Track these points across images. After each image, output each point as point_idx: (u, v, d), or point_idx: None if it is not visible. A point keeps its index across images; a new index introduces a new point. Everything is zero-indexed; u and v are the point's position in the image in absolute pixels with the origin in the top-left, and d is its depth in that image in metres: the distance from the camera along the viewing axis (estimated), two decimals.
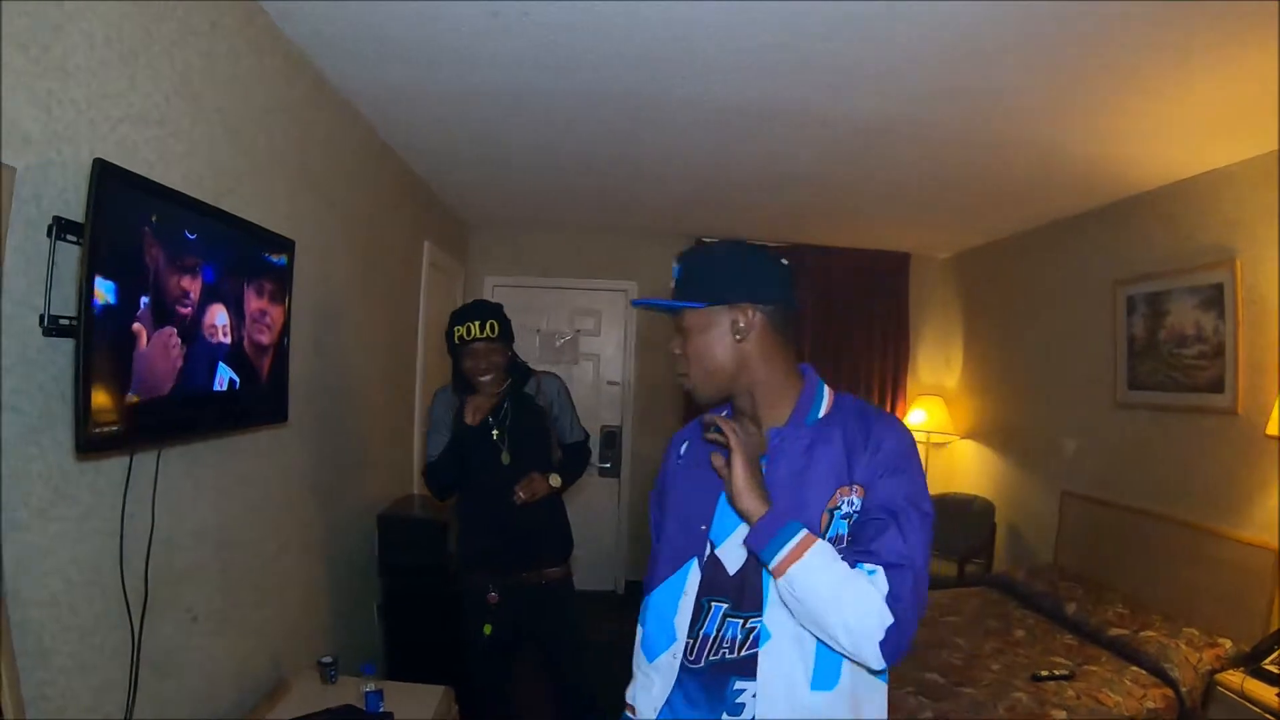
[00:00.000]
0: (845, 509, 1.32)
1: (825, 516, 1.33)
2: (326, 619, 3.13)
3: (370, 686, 2.36)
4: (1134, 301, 3.99)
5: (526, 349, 2.84)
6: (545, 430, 2.90)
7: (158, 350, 1.70)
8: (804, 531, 1.25)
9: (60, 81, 1.52)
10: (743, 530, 1.33)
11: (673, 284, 1.44)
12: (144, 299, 1.64)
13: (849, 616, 1.21)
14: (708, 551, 1.40)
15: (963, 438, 5.72)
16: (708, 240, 1.21)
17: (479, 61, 2.68)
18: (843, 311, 5.90)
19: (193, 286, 1.83)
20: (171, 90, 1.90)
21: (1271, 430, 2.97)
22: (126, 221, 1.58)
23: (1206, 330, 3.55)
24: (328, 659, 2.58)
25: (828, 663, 1.31)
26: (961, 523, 5.19)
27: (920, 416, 5.73)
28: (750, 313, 1.39)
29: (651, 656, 1.46)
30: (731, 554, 1.38)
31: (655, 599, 1.47)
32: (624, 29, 2.40)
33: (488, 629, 2.79)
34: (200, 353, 1.88)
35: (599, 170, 4.08)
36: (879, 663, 1.24)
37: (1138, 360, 3.98)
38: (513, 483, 2.72)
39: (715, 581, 1.39)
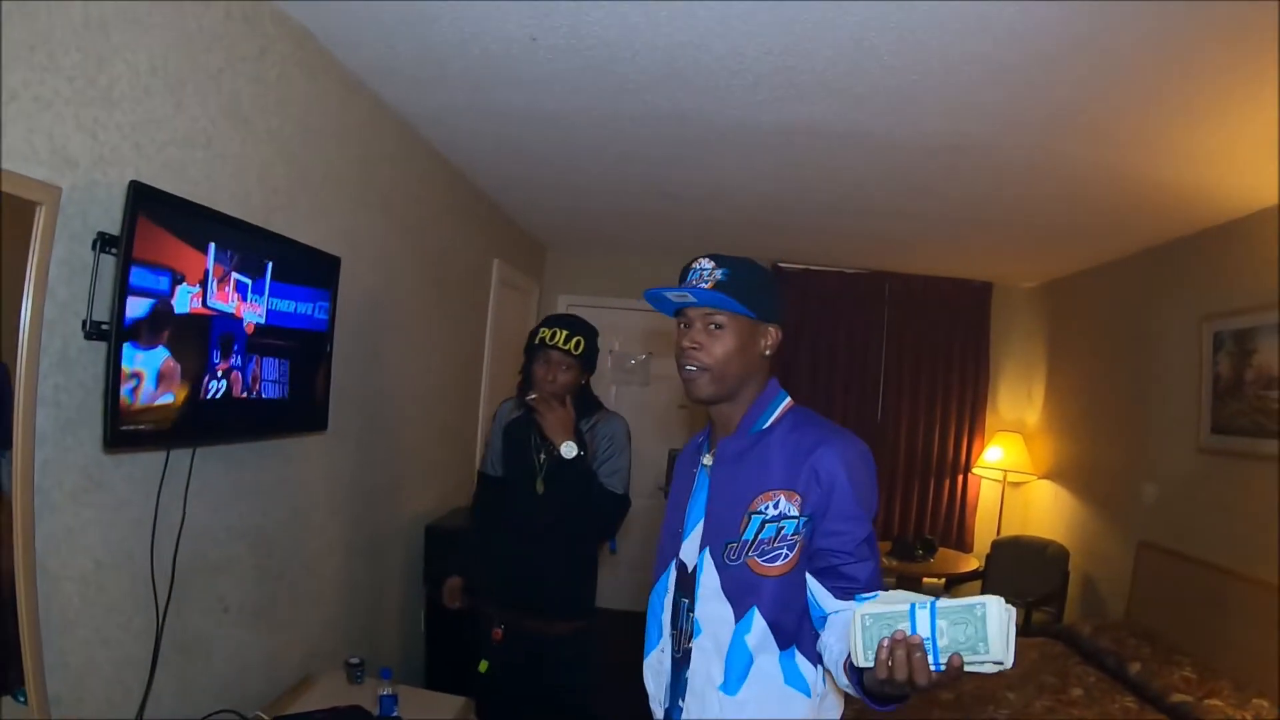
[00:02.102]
0: (769, 512, 1.47)
1: (744, 520, 1.49)
2: (368, 623, 3.32)
3: (386, 690, 2.49)
4: (1220, 338, 3.84)
5: (599, 368, 2.85)
6: (588, 472, 2.68)
7: (191, 357, 1.90)
8: None
9: (105, 109, 1.73)
10: (699, 529, 1.54)
11: (707, 280, 1.57)
12: (177, 308, 1.83)
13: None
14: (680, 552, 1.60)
15: (1041, 478, 5.60)
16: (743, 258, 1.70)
17: (530, 84, 2.80)
18: (920, 341, 5.88)
19: (229, 297, 2.02)
20: (220, 114, 2.11)
21: None
22: (163, 237, 1.78)
23: None
24: (355, 660, 2.74)
25: (735, 667, 1.46)
26: (1033, 568, 5.06)
27: (997, 454, 5.63)
28: (776, 333, 1.61)
29: (645, 655, 1.69)
30: (689, 552, 1.58)
31: (650, 601, 1.68)
32: (668, 50, 2.45)
33: (484, 666, 2.75)
34: (234, 359, 2.07)
35: (669, 193, 4.18)
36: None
37: (1222, 402, 3.82)
38: (539, 514, 2.66)
39: (682, 579, 1.59)
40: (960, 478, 5.87)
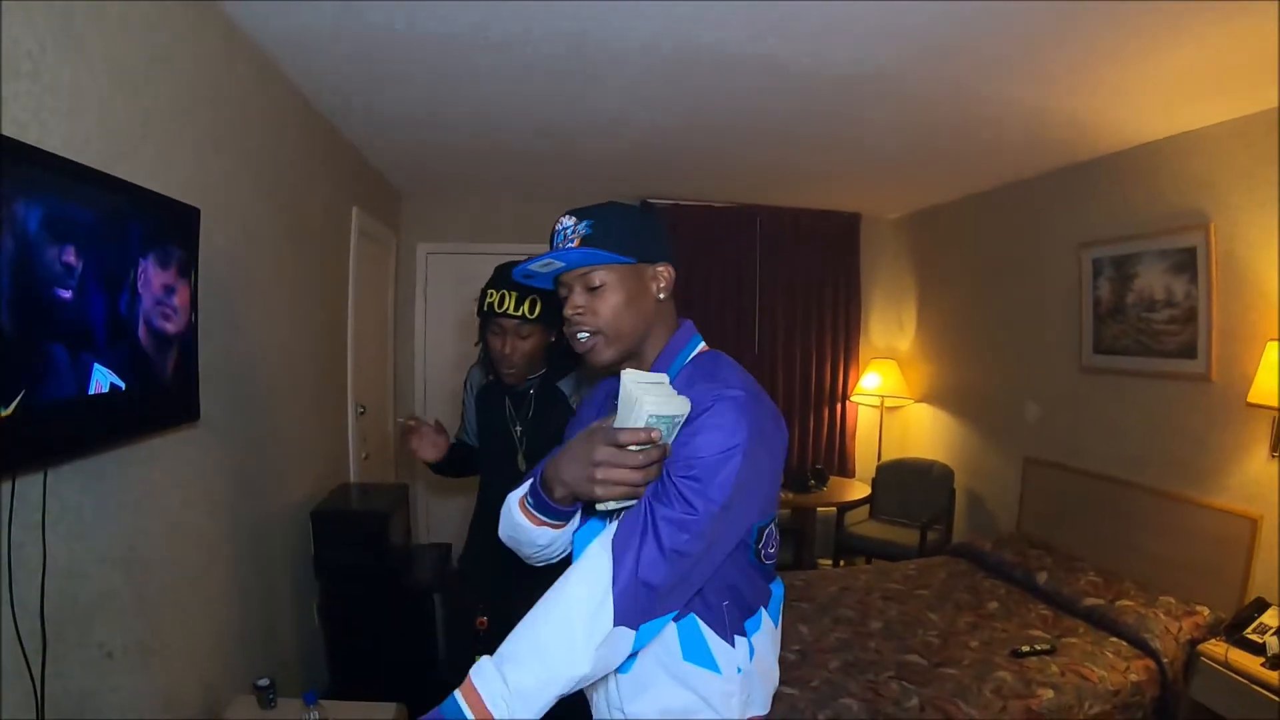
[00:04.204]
0: None
1: None
2: (265, 633, 2.88)
3: (314, 716, 2.13)
4: (1099, 264, 3.93)
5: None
6: None
7: (15, 353, 1.41)
8: None
9: None
10: None
11: (573, 239, 1.36)
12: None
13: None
14: None
15: (917, 401, 5.67)
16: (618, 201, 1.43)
17: None
18: (793, 274, 5.76)
19: (64, 267, 1.52)
20: (48, 36, 1.59)
21: (1253, 398, 2.91)
22: None
23: (1177, 294, 3.49)
24: (264, 681, 2.33)
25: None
26: (919, 489, 5.14)
27: (874, 380, 5.64)
28: (668, 272, 1.41)
29: None
30: None
31: (576, 544, 1.52)
32: None
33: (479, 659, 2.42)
34: (80, 350, 1.59)
35: (539, 127, 3.77)
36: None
37: (1103, 324, 3.92)
38: None
39: None
40: (839, 406, 5.86)
